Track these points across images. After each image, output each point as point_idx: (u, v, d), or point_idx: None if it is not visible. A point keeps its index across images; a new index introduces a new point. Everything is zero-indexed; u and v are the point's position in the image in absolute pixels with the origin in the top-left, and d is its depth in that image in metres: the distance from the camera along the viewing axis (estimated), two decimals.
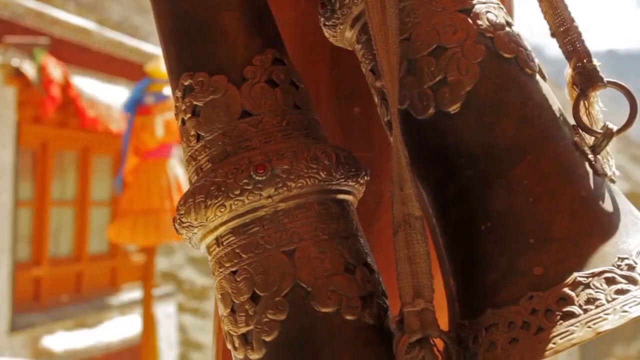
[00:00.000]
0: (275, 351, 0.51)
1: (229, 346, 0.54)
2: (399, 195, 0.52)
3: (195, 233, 0.55)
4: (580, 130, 0.55)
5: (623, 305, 0.47)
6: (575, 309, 0.48)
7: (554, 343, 0.47)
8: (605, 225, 0.51)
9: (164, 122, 5.40)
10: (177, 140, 5.64)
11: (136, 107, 5.46)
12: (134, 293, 8.61)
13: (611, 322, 0.46)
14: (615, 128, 0.55)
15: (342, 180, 0.55)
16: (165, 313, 8.58)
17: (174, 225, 0.58)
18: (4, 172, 6.84)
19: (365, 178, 0.58)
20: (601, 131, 0.55)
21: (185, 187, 5.79)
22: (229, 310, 0.53)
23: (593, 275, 0.49)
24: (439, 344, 0.52)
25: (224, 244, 0.54)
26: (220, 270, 0.54)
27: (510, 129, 0.53)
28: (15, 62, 6.26)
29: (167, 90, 5.60)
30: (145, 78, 5.65)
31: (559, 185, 0.52)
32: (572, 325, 0.47)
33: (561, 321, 0.48)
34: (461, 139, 0.54)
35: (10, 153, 6.90)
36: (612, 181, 0.55)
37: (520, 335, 0.49)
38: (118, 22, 14.87)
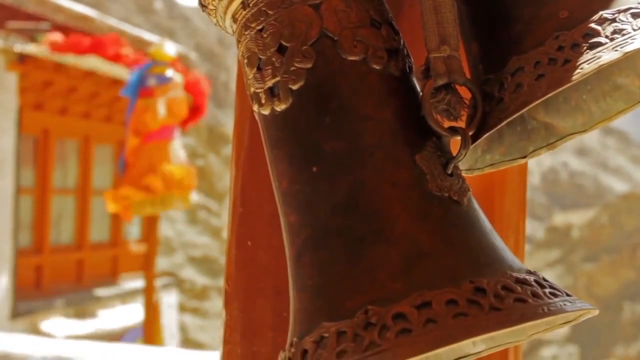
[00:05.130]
0: (302, 98, 0.51)
1: (255, 108, 0.54)
2: None
3: (222, 0, 0.56)
4: None
5: None
6: (601, 39, 0.48)
7: (581, 68, 0.48)
8: None
9: (166, 103, 5.40)
10: (178, 122, 5.66)
11: (139, 89, 5.47)
12: (135, 282, 8.60)
13: (638, 43, 0.47)
14: None
15: None
16: (167, 303, 8.57)
17: (199, 3, 0.58)
18: (5, 158, 6.84)
19: None
20: None
21: (187, 168, 5.80)
22: (255, 69, 0.54)
23: (619, 11, 0.49)
24: (465, 95, 0.53)
25: (250, 5, 0.54)
26: (246, 32, 0.54)
27: None
28: (18, 47, 6.27)
29: (169, 73, 5.61)
30: (148, 61, 5.67)
31: None
32: (599, 52, 0.48)
33: (588, 51, 0.48)
34: None
35: (11, 139, 6.90)
36: None
37: (547, 70, 0.49)
38: (118, 21, 14.88)
